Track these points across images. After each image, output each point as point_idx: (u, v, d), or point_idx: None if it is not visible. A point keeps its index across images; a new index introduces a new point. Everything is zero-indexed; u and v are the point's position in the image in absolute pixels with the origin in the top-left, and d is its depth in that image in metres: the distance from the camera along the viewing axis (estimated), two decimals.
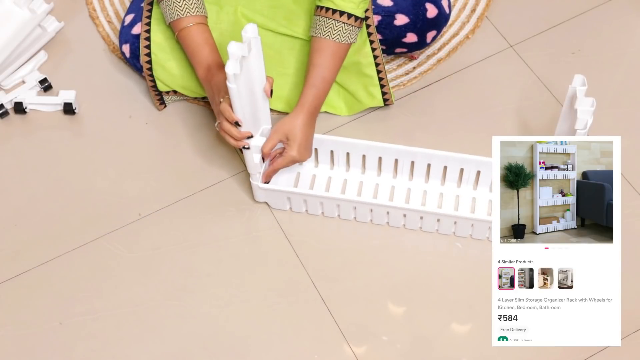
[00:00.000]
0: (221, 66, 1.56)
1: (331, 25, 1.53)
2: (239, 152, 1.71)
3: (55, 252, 1.61)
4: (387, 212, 1.58)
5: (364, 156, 1.64)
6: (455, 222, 1.57)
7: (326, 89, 1.57)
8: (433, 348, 1.50)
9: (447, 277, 1.56)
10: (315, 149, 1.64)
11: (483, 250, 1.58)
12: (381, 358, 1.49)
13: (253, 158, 1.54)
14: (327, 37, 1.54)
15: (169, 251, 1.61)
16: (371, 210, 1.59)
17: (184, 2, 1.56)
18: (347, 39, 1.55)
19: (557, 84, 1.78)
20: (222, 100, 1.48)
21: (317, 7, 1.56)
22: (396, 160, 1.63)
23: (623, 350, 1.45)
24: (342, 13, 1.53)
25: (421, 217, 1.58)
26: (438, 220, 1.57)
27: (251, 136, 1.50)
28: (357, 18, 1.54)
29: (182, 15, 1.57)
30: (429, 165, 1.62)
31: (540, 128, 1.72)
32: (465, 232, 1.58)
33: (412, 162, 1.63)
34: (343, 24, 1.53)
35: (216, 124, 1.52)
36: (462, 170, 1.61)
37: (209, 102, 1.60)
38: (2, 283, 1.58)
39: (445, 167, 1.61)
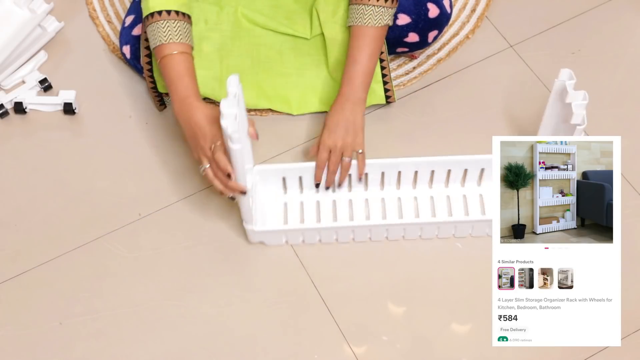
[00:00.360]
0: (198, 97, 1.49)
1: (371, 12, 1.54)
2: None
3: (55, 252, 1.61)
4: (387, 229, 1.57)
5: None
6: (455, 226, 1.57)
7: (371, 67, 1.57)
8: (433, 348, 1.49)
9: (447, 277, 1.56)
10: None
11: (483, 250, 1.57)
12: (381, 358, 1.49)
13: (248, 202, 1.48)
14: (369, 24, 1.54)
15: (169, 251, 1.61)
16: (370, 230, 1.57)
17: (168, 28, 1.52)
18: (381, 21, 1.55)
19: None
20: (213, 147, 1.41)
21: None
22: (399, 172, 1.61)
23: (623, 350, 1.45)
24: None
25: (421, 228, 1.57)
26: (438, 227, 1.57)
27: (245, 192, 1.43)
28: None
29: (165, 41, 1.51)
30: (432, 171, 1.60)
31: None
32: (466, 232, 1.58)
33: (416, 172, 1.60)
34: (382, 8, 1.54)
35: (201, 169, 1.45)
36: (466, 170, 1.60)
37: (185, 139, 1.50)
38: (2, 283, 1.58)
39: (450, 171, 1.60)
